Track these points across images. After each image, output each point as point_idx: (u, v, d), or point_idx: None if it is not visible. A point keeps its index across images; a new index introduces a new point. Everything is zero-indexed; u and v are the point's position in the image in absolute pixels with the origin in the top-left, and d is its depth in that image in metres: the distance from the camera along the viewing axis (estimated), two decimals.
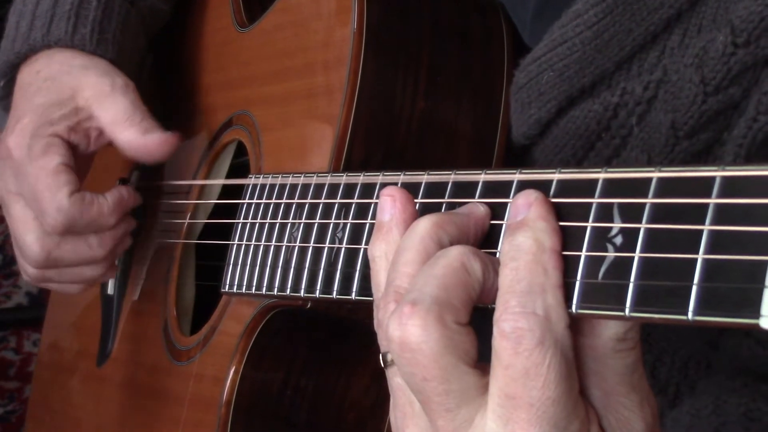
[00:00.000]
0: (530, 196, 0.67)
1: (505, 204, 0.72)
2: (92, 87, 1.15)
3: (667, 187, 0.62)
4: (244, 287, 1.02)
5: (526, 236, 0.65)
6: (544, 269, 0.64)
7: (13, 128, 1.14)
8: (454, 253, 0.67)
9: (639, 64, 0.89)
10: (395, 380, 0.70)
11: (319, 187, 0.94)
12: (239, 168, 1.20)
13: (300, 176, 0.97)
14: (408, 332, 0.64)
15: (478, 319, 0.68)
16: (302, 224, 0.94)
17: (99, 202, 1.13)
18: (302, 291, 0.93)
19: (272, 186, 1.01)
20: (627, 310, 0.62)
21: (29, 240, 1.14)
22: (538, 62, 0.94)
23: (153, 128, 1.14)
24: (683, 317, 0.59)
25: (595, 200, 0.66)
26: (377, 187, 0.86)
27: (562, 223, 0.67)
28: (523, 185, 0.72)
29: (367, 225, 0.86)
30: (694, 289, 0.59)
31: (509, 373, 0.63)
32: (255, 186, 1.04)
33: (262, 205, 1.02)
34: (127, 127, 1.14)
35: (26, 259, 1.17)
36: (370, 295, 0.85)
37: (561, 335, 0.63)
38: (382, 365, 0.71)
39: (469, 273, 0.66)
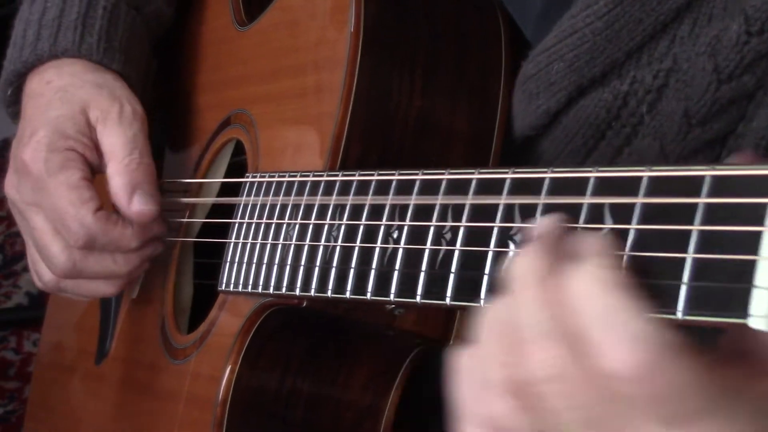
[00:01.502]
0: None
1: (498, 203, 0.73)
2: (101, 108, 1.15)
3: (657, 186, 0.62)
4: (241, 286, 1.02)
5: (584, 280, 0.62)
6: (614, 295, 0.61)
7: (28, 141, 1.14)
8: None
9: (649, 54, 0.89)
10: None
11: (314, 186, 0.94)
12: (237, 166, 1.20)
13: (296, 175, 0.97)
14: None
15: None
16: (298, 223, 0.94)
17: (124, 224, 1.12)
18: (297, 289, 0.93)
19: (269, 184, 1.01)
20: None
21: (56, 250, 1.14)
22: (548, 53, 0.94)
23: (142, 184, 1.12)
24: (672, 316, 0.59)
25: (587, 200, 0.66)
26: (372, 185, 0.87)
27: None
28: (516, 183, 0.72)
29: (362, 224, 0.86)
30: (684, 288, 0.59)
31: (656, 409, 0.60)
32: (252, 184, 1.04)
33: (259, 204, 1.02)
34: (120, 171, 1.13)
35: (52, 268, 1.16)
36: (365, 294, 0.85)
37: (666, 338, 0.61)
38: None
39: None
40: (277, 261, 0.96)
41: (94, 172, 1.15)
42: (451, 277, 0.76)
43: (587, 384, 0.61)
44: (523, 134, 1.00)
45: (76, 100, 1.15)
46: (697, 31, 0.86)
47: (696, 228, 0.59)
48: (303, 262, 0.93)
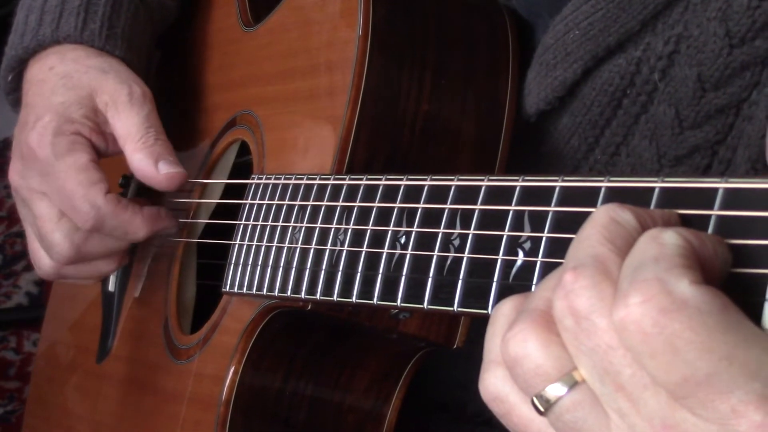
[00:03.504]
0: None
1: (507, 211, 0.72)
2: (110, 93, 1.14)
3: (669, 197, 0.62)
4: (245, 287, 1.02)
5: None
6: (660, 244, 0.57)
7: (33, 126, 1.13)
8: (598, 212, 0.60)
9: (663, 22, 0.90)
10: (566, 417, 0.61)
11: (321, 189, 0.94)
12: (242, 167, 1.20)
13: (303, 177, 0.97)
14: (576, 295, 0.58)
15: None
16: (304, 226, 0.94)
17: (134, 209, 1.12)
18: (303, 293, 0.93)
19: (275, 186, 1.01)
20: None
21: (57, 238, 1.13)
22: (565, 21, 0.95)
23: (163, 154, 1.12)
24: None
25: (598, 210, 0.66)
26: (380, 189, 0.86)
27: (560, 235, 0.67)
28: (526, 192, 0.72)
29: (369, 228, 0.86)
30: None
31: (661, 369, 0.55)
32: (258, 186, 1.04)
33: (264, 206, 1.02)
34: (139, 148, 1.12)
35: (54, 256, 1.15)
36: (371, 299, 0.85)
37: (683, 292, 0.55)
38: (540, 411, 0.61)
39: (622, 224, 0.60)
40: (282, 264, 0.96)
41: (100, 155, 1.15)
42: (459, 283, 0.76)
43: (612, 343, 0.57)
44: (538, 110, 1.00)
45: (81, 85, 1.15)
46: None
47: None
48: (309, 266, 0.92)
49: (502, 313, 0.65)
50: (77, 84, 1.15)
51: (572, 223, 0.67)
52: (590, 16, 0.93)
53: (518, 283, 0.71)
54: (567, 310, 0.58)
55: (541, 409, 0.61)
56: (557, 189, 0.69)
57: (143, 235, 1.14)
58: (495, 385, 0.64)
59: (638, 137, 0.94)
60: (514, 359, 0.61)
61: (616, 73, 0.93)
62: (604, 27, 0.92)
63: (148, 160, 1.12)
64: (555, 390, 0.60)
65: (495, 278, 0.72)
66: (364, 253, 0.86)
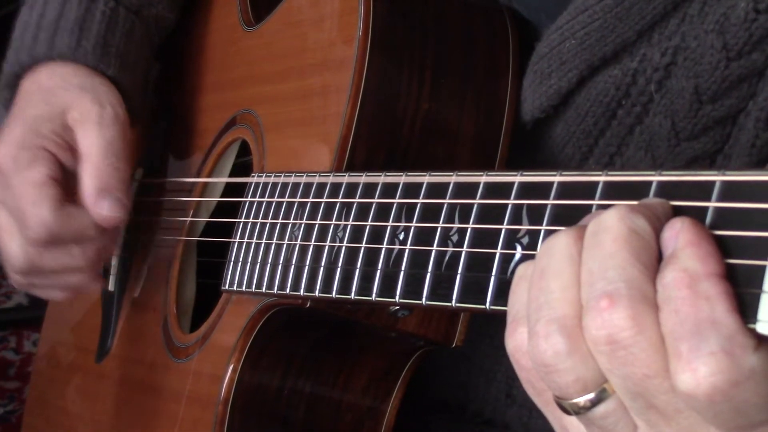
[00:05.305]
0: (674, 226, 0.60)
1: (506, 205, 0.72)
2: (81, 110, 1.14)
3: (667, 190, 0.62)
4: (245, 285, 1.02)
5: (674, 269, 0.58)
6: (705, 299, 0.57)
7: (3, 139, 1.14)
8: (615, 222, 0.60)
9: (660, 32, 0.90)
10: (598, 422, 0.63)
11: (321, 187, 0.94)
12: (243, 167, 1.20)
13: (302, 175, 0.97)
14: (615, 326, 0.58)
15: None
16: (303, 223, 0.94)
17: (81, 214, 1.12)
18: (302, 289, 0.93)
19: (275, 185, 1.01)
20: None
21: (13, 248, 1.14)
22: (561, 30, 0.95)
23: (112, 189, 1.12)
24: None
25: (596, 202, 0.66)
26: (378, 187, 0.86)
27: (558, 229, 0.67)
28: (524, 187, 0.72)
29: (368, 224, 0.86)
30: None
31: (719, 421, 0.58)
32: (257, 184, 1.04)
33: (264, 204, 1.02)
34: (91, 174, 1.12)
35: (10, 266, 1.17)
36: (370, 295, 0.85)
37: (751, 363, 0.56)
38: (571, 413, 0.63)
39: (641, 234, 0.60)
40: (281, 261, 0.96)
41: (67, 172, 1.15)
42: (458, 278, 0.76)
43: (649, 372, 0.59)
44: (533, 117, 1.00)
45: (57, 101, 1.15)
46: (707, 10, 0.87)
47: None
48: (308, 263, 0.93)
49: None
50: (54, 100, 1.15)
51: (570, 218, 0.67)
52: (587, 26, 0.92)
53: None
54: (604, 339, 0.59)
55: (572, 412, 0.62)
56: (555, 184, 0.69)
57: (95, 233, 1.13)
58: (523, 341, 0.64)
59: (633, 148, 0.94)
60: (546, 366, 0.62)
61: (612, 83, 0.93)
62: (600, 37, 0.92)
63: (95, 190, 1.11)
64: (587, 398, 0.62)
65: (493, 273, 0.73)
66: (362, 249, 0.86)
